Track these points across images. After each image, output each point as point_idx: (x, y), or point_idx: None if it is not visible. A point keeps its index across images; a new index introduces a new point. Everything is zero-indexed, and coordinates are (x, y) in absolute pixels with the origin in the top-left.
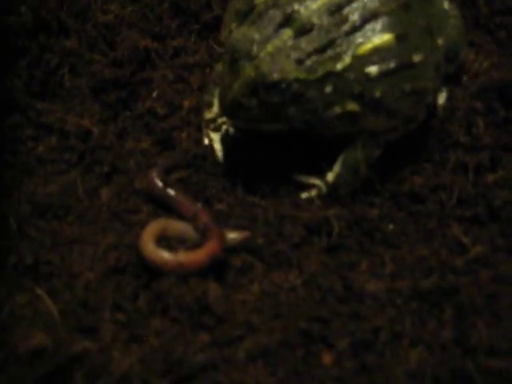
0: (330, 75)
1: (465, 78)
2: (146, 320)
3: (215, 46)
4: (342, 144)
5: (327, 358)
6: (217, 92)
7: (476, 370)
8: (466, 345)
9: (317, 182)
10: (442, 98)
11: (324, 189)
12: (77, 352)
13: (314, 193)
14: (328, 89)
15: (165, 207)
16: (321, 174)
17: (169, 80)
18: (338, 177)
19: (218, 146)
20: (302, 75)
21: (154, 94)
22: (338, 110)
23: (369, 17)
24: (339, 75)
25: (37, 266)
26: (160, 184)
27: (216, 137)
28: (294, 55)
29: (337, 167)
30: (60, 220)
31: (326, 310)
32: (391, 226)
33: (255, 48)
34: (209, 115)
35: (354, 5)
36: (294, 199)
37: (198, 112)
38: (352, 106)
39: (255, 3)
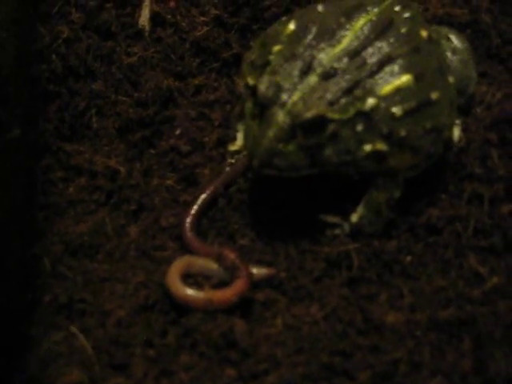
0: (360, 115)
1: (478, 110)
2: (176, 355)
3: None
4: (365, 185)
5: None
6: (240, 126)
7: None
8: (485, 375)
9: (341, 221)
10: (456, 131)
11: (347, 229)
12: None
13: (338, 231)
14: (359, 128)
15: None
16: (344, 215)
17: (191, 117)
18: (361, 218)
19: None
20: (336, 115)
21: (178, 132)
22: (368, 148)
23: (385, 60)
24: (368, 115)
25: (70, 304)
26: (188, 234)
27: None
28: (326, 97)
29: (360, 209)
30: (91, 259)
31: (347, 343)
32: (409, 258)
33: (285, 95)
34: (233, 147)
35: (370, 50)
36: (315, 235)
37: (220, 148)
38: (380, 146)
39: (269, 57)
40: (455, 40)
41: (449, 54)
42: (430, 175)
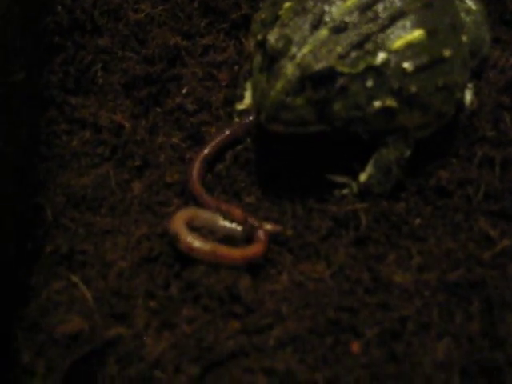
0: (371, 69)
1: (491, 74)
2: (178, 308)
3: (244, 43)
4: (374, 145)
5: (355, 347)
6: (248, 85)
7: (504, 361)
8: (494, 337)
9: (349, 181)
10: (468, 94)
11: (355, 188)
12: (111, 337)
13: (345, 191)
14: (369, 83)
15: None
16: (353, 175)
17: (198, 77)
18: (370, 177)
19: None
20: (346, 69)
21: (184, 91)
22: (377, 104)
23: (397, 14)
24: (378, 70)
25: (72, 254)
26: (200, 188)
27: None
28: (336, 50)
29: (369, 168)
30: (93, 211)
31: (354, 299)
32: (418, 220)
33: (294, 48)
34: (240, 106)
35: (381, 4)
36: (322, 194)
37: (227, 107)
38: (390, 102)
39: (280, 13)
40: (469, 1)
41: (462, 14)
42: (441, 138)
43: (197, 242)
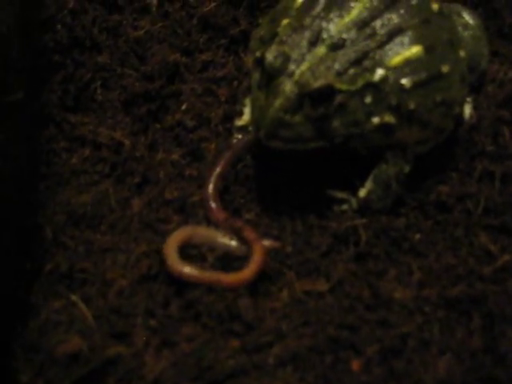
0: (369, 86)
1: (490, 88)
2: (178, 326)
3: (243, 59)
4: (374, 161)
5: (356, 364)
6: (247, 101)
7: (506, 378)
8: (496, 353)
9: (348, 197)
10: (467, 108)
11: (355, 204)
12: (110, 356)
13: (345, 207)
14: (368, 99)
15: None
16: (352, 190)
17: (197, 93)
18: (369, 193)
19: None
20: (344, 86)
21: (184, 107)
22: (376, 120)
23: (395, 31)
24: (377, 86)
25: (71, 273)
26: (215, 206)
27: None
28: (334, 67)
29: (368, 184)
30: (93, 229)
31: (355, 317)
32: (418, 235)
33: (292, 65)
34: (239, 122)
35: (379, 21)
36: (322, 210)
37: (226, 123)
38: (389, 118)
39: (278, 30)
40: (467, 16)
41: (460, 30)
42: (440, 152)
43: (186, 268)
